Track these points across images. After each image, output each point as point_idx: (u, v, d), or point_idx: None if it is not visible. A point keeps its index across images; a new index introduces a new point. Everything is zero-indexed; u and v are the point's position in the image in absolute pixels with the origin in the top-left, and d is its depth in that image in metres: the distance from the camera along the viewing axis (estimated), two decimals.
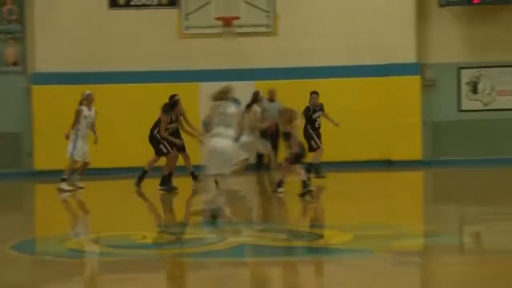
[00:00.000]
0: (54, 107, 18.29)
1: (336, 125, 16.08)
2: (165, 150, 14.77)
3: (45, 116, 18.43)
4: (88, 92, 15.51)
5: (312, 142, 15.79)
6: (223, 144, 10.72)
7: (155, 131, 14.92)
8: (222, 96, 10.89)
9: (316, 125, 16.00)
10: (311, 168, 15.43)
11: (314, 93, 16.29)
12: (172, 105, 14.79)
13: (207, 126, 11.97)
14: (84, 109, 15.31)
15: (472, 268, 8.08)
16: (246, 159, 13.48)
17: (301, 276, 7.98)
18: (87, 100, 15.37)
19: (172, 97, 14.93)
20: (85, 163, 15.43)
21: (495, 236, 10.03)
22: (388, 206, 13.31)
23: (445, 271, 7.91)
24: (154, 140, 14.94)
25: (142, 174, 15.22)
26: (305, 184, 13.04)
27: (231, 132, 10.85)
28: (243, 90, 17.90)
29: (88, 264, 8.82)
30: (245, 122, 13.55)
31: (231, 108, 10.91)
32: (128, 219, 12.06)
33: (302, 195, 12.91)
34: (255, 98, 14.31)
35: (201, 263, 8.67)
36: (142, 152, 16.86)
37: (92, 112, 15.47)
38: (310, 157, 15.19)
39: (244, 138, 13.53)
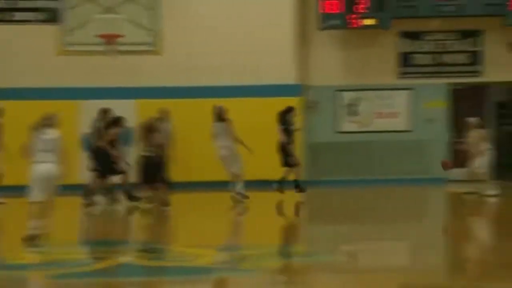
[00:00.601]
0: None
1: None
2: None
3: None
4: None
5: None
6: (46, 169, 11.09)
7: None
8: (44, 123, 11.51)
9: None
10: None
11: None
12: None
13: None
14: None
15: (348, 286, 8.26)
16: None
17: None
18: None
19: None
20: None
21: (369, 254, 10.29)
22: (266, 226, 13.44)
23: None
24: None
25: None
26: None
27: (52, 157, 11.20)
28: (125, 108, 17.89)
29: None
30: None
31: (51, 134, 11.38)
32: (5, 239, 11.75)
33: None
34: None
35: (66, 284, 8.53)
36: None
37: None
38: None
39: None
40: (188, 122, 18.60)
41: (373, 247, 10.94)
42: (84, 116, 17.78)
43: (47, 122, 11.49)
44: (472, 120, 16.56)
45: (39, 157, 11.07)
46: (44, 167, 11.02)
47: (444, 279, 8.79)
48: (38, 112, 16.92)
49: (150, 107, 17.42)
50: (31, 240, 10.79)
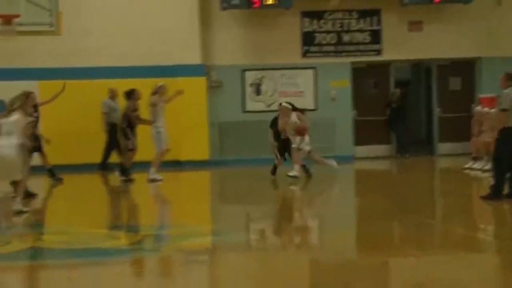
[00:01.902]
0: None
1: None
2: None
3: None
4: None
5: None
6: (6, 152, 11.26)
7: None
8: (10, 107, 11.67)
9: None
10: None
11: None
12: None
13: None
14: None
15: (259, 264, 8.29)
16: None
17: (86, 279, 7.81)
18: None
19: None
20: None
21: (276, 233, 10.37)
22: (175, 206, 13.39)
23: (232, 267, 8.07)
24: None
25: None
26: None
27: (13, 140, 11.34)
28: (25, 89, 17.35)
29: None
30: None
31: (12, 117, 11.49)
32: None
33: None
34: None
35: None
36: None
37: None
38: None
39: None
40: (87, 103, 18.35)
41: (279, 226, 11.03)
42: None
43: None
44: None
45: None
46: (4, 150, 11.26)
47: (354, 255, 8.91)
48: None
49: (52, 88, 17.03)
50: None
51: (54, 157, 16.43)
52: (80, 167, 18.10)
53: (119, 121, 16.42)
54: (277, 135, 15.95)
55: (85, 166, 18.12)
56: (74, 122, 18.46)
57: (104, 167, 17.95)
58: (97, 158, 18.01)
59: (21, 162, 11.56)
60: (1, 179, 12.10)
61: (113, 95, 18.09)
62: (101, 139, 17.91)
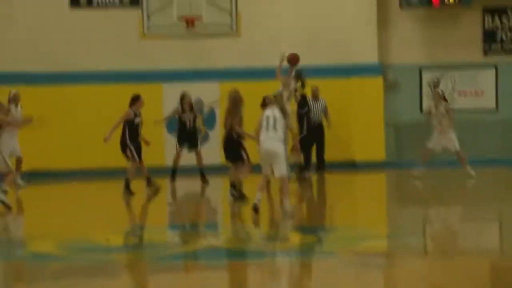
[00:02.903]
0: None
1: None
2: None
3: None
4: (14, 91, 15.78)
5: None
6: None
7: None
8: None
9: None
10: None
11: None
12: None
13: None
14: (12, 107, 15.42)
15: (436, 270, 8.13)
16: None
17: (266, 278, 7.95)
18: (14, 100, 15.61)
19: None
20: (18, 159, 15.51)
21: (458, 237, 10.12)
22: (352, 208, 13.35)
23: (409, 272, 7.96)
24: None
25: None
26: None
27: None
28: (206, 90, 17.96)
29: (49, 267, 8.70)
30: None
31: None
32: (92, 222, 11.95)
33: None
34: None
35: (166, 266, 8.63)
36: (104, 153, 16.81)
37: (18, 110, 15.63)
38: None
39: None
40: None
41: (460, 229, 10.75)
42: (166, 99, 17.97)
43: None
44: None
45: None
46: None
47: None
48: (121, 95, 17.35)
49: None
50: None
51: None
52: None
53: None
54: None
55: None
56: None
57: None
58: None
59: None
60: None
61: (314, 94, 18.05)
62: None
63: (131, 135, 14.42)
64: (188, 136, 15.96)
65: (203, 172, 15.80)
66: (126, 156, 14.49)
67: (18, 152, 15.49)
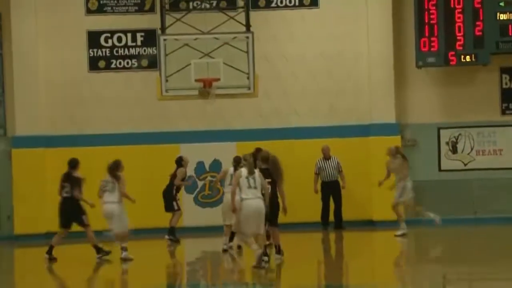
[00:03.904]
0: (34, 170, 18.20)
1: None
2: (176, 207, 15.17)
3: (25, 179, 18.29)
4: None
5: None
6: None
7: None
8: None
9: None
10: None
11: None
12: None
13: None
14: None
15: None
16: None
17: None
18: None
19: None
20: None
21: None
22: (370, 266, 13.23)
23: None
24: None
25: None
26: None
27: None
28: (224, 151, 18.02)
29: None
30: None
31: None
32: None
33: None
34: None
35: None
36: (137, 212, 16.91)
37: None
38: None
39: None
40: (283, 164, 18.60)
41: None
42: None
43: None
44: None
45: None
46: None
47: None
48: (140, 156, 17.46)
49: (248, 150, 17.45)
50: None
51: None
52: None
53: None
54: None
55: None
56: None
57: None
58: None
59: None
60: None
61: (324, 153, 18.24)
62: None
63: None
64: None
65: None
66: None
67: None
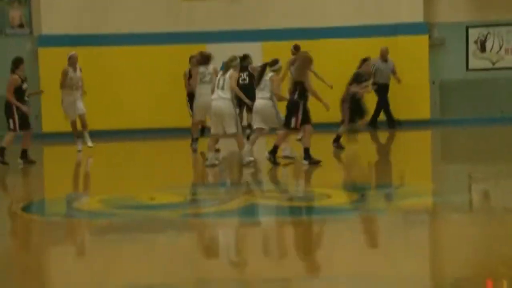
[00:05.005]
0: (61, 69, 18.22)
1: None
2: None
3: (52, 78, 18.34)
4: (71, 53, 15.34)
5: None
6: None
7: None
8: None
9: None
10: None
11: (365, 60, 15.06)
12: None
13: None
14: (70, 70, 15.10)
15: (482, 228, 8.07)
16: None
17: (310, 235, 7.98)
18: (71, 61, 15.13)
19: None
20: (81, 118, 15.08)
21: (504, 195, 10.03)
22: (396, 166, 13.30)
23: (455, 230, 7.91)
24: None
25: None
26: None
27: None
28: (250, 51, 17.89)
29: (94, 224, 8.84)
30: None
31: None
32: (135, 181, 12.09)
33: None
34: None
35: (208, 223, 8.71)
36: (148, 114, 16.96)
37: (78, 73, 15.19)
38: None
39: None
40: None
41: (506, 187, 10.64)
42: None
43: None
44: None
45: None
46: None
47: None
48: (167, 56, 17.42)
49: (273, 50, 17.36)
50: None
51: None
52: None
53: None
54: None
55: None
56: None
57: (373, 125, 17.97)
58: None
59: (234, 116, 12.22)
60: (217, 132, 12.45)
61: (382, 54, 18.02)
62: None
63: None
64: None
65: None
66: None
67: (80, 111, 15.09)
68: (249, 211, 9.26)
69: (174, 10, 18.90)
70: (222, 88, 12.31)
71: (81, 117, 15.13)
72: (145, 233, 8.05)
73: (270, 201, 9.93)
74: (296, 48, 15.82)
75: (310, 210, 9.29)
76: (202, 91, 13.85)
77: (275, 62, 12.60)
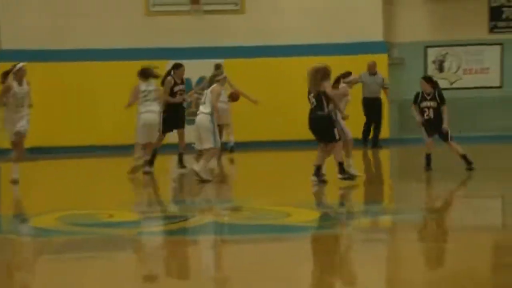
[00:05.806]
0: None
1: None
2: None
3: None
4: (19, 65, 13.19)
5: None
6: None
7: None
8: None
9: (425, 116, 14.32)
10: None
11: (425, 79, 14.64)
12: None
13: None
14: (14, 84, 12.98)
15: (438, 244, 8.17)
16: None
17: (268, 254, 8.00)
18: (19, 75, 13.07)
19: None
20: (19, 136, 13.09)
21: (460, 212, 10.15)
22: (355, 184, 13.37)
23: (412, 247, 7.99)
24: None
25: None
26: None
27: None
28: (212, 68, 17.93)
29: (52, 242, 8.77)
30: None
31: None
32: (96, 197, 12.02)
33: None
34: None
35: (167, 241, 8.70)
36: (111, 130, 16.87)
37: (25, 88, 13.12)
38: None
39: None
40: (271, 81, 18.58)
41: (462, 205, 10.79)
42: None
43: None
44: None
45: None
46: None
47: None
48: (130, 72, 17.35)
49: (236, 67, 17.44)
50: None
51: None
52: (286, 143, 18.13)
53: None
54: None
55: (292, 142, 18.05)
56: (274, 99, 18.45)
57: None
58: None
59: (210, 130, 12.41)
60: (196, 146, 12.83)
61: (369, 68, 18.06)
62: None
63: None
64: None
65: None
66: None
67: (21, 127, 12.94)
68: (208, 229, 9.25)
69: (137, 26, 18.90)
70: (204, 102, 12.59)
71: (21, 135, 13.13)
72: (101, 251, 8.01)
73: (231, 219, 9.94)
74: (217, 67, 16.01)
75: (269, 228, 9.29)
76: (145, 109, 13.57)
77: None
